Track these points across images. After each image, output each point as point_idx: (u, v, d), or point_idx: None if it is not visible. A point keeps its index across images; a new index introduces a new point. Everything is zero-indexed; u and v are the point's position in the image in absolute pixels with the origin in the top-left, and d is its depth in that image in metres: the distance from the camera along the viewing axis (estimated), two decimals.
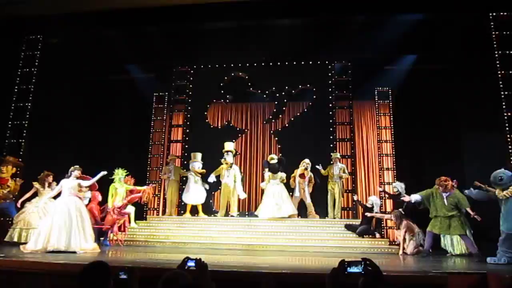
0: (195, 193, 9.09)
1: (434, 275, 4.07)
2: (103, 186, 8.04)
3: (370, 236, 7.86)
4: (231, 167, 9.11)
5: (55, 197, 6.90)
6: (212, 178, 9.05)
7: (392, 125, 10.02)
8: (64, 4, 8.87)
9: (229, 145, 9.43)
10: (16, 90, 9.15)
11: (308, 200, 8.81)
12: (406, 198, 7.01)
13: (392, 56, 9.77)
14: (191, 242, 7.81)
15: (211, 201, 9.90)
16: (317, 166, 8.98)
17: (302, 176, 8.76)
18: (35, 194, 7.85)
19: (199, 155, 9.40)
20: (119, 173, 8.30)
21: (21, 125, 8.92)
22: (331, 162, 9.16)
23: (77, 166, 6.86)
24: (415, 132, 9.59)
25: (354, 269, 1.84)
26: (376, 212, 8.06)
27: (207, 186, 9.26)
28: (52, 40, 9.58)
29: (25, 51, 9.38)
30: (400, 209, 7.47)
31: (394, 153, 9.81)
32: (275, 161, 8.91)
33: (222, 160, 9.12)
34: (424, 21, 8.49)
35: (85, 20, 9.00)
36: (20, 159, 8.40)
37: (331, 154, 9.30)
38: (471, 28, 8.30)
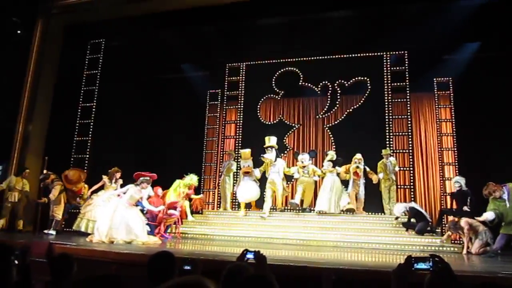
0: (245, 190, 8.88)
1: (504, 277, 3.83)
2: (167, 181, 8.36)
3: (431, 234, 7.53)
4: (274, 163, 8.81)
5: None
6: (258, 173, 8.90)
7: (453, 118, 9.46)
8: (124, 8, 9.37)
9: (271, 140, 9.06)
10: (82, 91, 9.84)
11: (361, 196, 8.57)
12: (480, 219, 6.57)
13: (453, 45, 9.22)
14: (246, 236, 7.95)
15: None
16: (367, 169, 8.63)
17: (355, 174, 8.50)
18: (101, 187, 8.40)
19: (246, 153, 9.07)
20: (193, 180, 8.63)
21: (87, 124, 9.57)
22: (383, 158, 8.84)
23: (147, 178, 7.16)
24: (479, 125, 8.95)
25: (421, 266, 1.79)
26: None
27: (258, 174, 8.90)
28: (113, 43, 10.17)
29: (89, 55, 10.05)
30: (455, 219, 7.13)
31: (455, 147, 9.27)
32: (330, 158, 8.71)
33: (262, 158, 8.83)
34: (488, 5, 7.93)
35: (143, 23, 9.44)
36: (81, 170, 8.89)
37: (382, 150, 8.91)
38: None
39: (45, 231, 7.93)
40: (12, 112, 9.18)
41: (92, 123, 9.62)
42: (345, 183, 8.79)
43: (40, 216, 8.50)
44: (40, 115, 9.42)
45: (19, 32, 9.62)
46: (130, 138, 10.22)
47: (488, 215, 6.36)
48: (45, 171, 8.36)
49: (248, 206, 9.22)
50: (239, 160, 9.53)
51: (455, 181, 7.78)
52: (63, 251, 3.53)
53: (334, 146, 10.02)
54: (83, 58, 10.08)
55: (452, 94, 9.56)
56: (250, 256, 2.54)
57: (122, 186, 7.87)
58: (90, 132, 9.57)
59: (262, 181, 9.12)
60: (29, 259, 3.25)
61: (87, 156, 9.15)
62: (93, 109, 9.72)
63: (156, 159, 9.71)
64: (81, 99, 9.84)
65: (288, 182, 9.48)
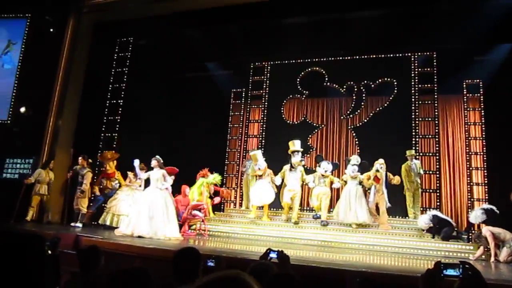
0: (260, 193, 8.40)
1: None
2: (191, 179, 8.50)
3: (457, 240, 7.35)
4: (294, 168, 8.39)
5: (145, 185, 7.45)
6: (278, 180, 8.45)
7: (483, 121, 9.18)
8: (151, 8, 9.53)
9: (296, 144, 8.71)
10: (110, 88, 10.09)
11: (383, 207, 7.91)
12: None
13: (483, 46, 8.96)
14: (267, 236, 7.96)
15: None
16: (389, 175, 8.22)
17: (376, 179, 8.00)
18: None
19: (258, 155, 8.69)
20: (216, 178, 8.72)
21: (115, 120, 9.80)
22: (407, 160, 8.63)
23: (157, 156, 7.27)
24: (509, 129, 8.66)
25: (451, 272, 1.75)
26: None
27: (278, 181, 8.49)
28: (141, 42, 10.37)
29: (117, 53, 10.29)
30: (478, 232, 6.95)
31: (484, 151, 9.00)
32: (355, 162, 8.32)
33: (296, 162, 8.38)
34: None
35: (170, 22, 9.58)
36: (114, 151, 9.21)
37: (406, 151, 8.71)
38: None
39: (72, 224, 8.16)
40: (43, 107, 9.49)
41: (119, 120, 9.84)
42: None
43: (68, 209, 8.74)
44: (69, 110, 9.70)
45: (51, 30, 9.93)
46: (155, 135, 10.39)
47: None
48: (80, 158, 8.56)
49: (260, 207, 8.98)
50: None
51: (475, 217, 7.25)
52: (92, 244, 3.64)
53: (358, 148, 9.90)
54: (111, 56, 10.32)
55: (482, 97, 9.29)
56: (273, 255, 2.56)
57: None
58: (117, 128, 9.80)
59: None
60: (58, 250, 3.37)
61: (115, 152, 9.35)
62: (120, 106, 9.94)
63: (180, 156, 9.83)
64: (109, 96, 10.09)
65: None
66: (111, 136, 9.75)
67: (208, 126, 11.07)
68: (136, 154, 8.77)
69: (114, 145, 9.57)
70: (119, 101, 9.92)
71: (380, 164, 8.03)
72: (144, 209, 6.87)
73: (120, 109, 9.87)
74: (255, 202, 8.59)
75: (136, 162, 7.30)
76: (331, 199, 8.49)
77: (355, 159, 8.44)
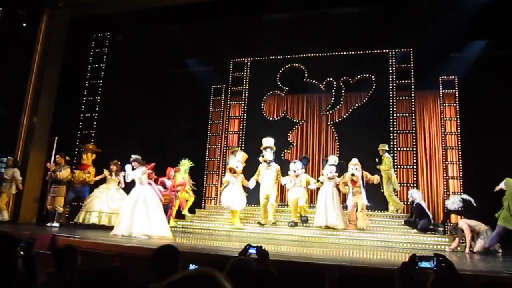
0: (229, 198, 8.01)
1: (508, 276, 3.82)
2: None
3: (432, 232, 7.52)
4: (269, 164, 8.24)
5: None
6: (252, 184, 8.17)
7: (458, 116, 9.43)
8: (129, 2, 9.35)
9: (268, 141, 8.56)
10: (86, 85, 9.87)
11: (361, 202, 7.72)
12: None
13: (459, 43, 9.16)
14: (248, 232, 7.98)
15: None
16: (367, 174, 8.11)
17: (352, 183, 7.85)
18: (103, 181, 8.45)
19: (239, 153, 8.49)
20: (186, 164, 8.45)
21: (92, 117, 9.61)
22: (380, 155, 8.74)
23: (133, 156, 7.00)
24: (484, 124, 8.92)
25: (425, 264, 1.79)
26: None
27: (252, 184, 8.19)
28: (118, 37, 10.17)
29: (94, 48, 10.06)
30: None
31: (460, 146, 9.24)
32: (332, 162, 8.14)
33: (260, 158, 8.37)
34: (495, 2, 7.86)
35: (148, 17, 9.43)
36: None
37: (380, 145, 8.81)
38: None
39: (48, 224, 7.97)
40: (17, 105, 9.21)
41: (96, 117, 9.65)
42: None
43: (45, 209, 8.54)
44: (44, 107, 9.45)
45: (24, 25, 9.63)
46: (134, 132, 10.23)
47: None
48: (58, 156, 8.34)
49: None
50: None
51: (452, 203, 7.39)
52: (68, 243, 3.56)
53: (337, 143, 10.01)
54: (88, 52, 10.09)
55: (457, 93, 9.53)
56: (252, 251, 2.56)
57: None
58: (94, 125, 9.61)
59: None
60: (34, 251, 3.28)
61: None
62: (98, 103, 9.74)
63: (160, 153, 9.71)
64: (85, 93, 9.87)
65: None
66: (88, 134, 9.54)
67: (188, 123, 10.99)
68: (114, 151, 8.69)
69: (92, 143, 9.37)
70: (96, 97, 9.71)
71: (354, 165, 7.89)
72: (126, 209, 6.72)
73: (98, 106, 9.67)
74: (224, 205, 8.27)
75: (128, 168, 7.07)
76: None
77: (332, 159, 8.33)
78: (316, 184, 8.17)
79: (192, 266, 2.75)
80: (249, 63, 10.94)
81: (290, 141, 10.38)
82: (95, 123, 9.62)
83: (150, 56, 10.43)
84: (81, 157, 8.72)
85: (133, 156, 6.94)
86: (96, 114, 9.65)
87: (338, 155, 9.33)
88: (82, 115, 9.72)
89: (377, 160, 8.60)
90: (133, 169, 6.86)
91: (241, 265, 2.32)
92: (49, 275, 3.36)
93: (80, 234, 6.61)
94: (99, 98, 9.72)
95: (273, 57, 10.67)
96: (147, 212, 6.64)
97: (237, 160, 8.25)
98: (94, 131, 9.54)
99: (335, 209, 7.67)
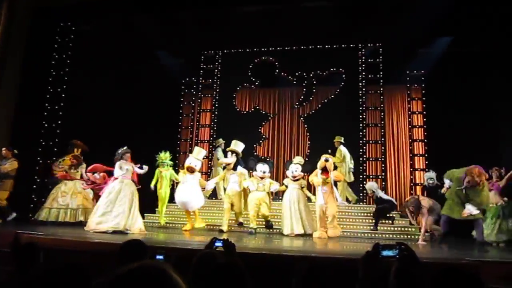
0: (184, 197, 7.39)
1: (468, 263, 3.99)
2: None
3: (389, 221, 7.59)
4: (234, 169, 7.62)
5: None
6: (210, 185, 7.86)
7: (424, 110, 9.73)
8: None
9: (237, 145, 7.91)
10: (50, 76, 9.46)
11: (334, 209, 6.93)
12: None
13: (426, 39, 9.41)
14: (213, 225, 7.92)
15: None
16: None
17: (325, 173, 7.00)
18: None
19: (200, 152, 7.93)
20: (161, 158, 7.98)
21: (56, 110, 9.26)
22: (335, 147, 8.78)
23: (126, 150, 6.99)
24: (448, 118, 9.21)
25: (388, 253, 1.84)
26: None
27: (209, 186, 7.85)
28: (84, 28, 9.81)
29: (58, 38, 9.64)
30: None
31: (426, 139, 9.55)
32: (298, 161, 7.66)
33: (221, 160, 7.97)
34: (460, 1, 8.11)
35: (116, 7, 9.13)
36: (52, 157, 8.71)
37: (336, 137, 8.83)
38: (510, 9, 7.86)
39: (8, 219, 7.63)
40: None
41: (61, 110, 9.28)
42: None
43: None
44: (5, 100, 9.00)
45: None
46: (101, 126, 9.94)
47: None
48: (3, 150, 7.96)
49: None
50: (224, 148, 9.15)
51: (429, 178, 7.58)
52: (30, 240, 3.43)
53: (308, 136, 10.11)
54: (52, 42, 9.67)
55: (423, 87, 9.81)
56: (218, 244, 2.56)
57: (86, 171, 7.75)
58: (59, 119, 9.24)
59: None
60: None
61: (56, 142, 8.86)
62: (63, 95, 9.37)
63: (129, 147, 9.51)
64: (49, 85, 9.47)
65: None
66: (53, 127, 9.18)
67: (159, 116, 10.78)
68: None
69: (57, 135, 9.03)
70: (61, 90, 9.33)
71: (326, 156, 7.26)
72: (102, 203, 6.54)
73: (63, 98, 9.29)
74: (179, 204, 7.57)
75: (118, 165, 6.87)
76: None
77: (297, 159, 7.86)
78: (277, 185, 7.65)
79: (159, 256, 2.72)
80: (220, 56, 10.85)
81: (262, 134, 10.40)
82: (60, 115, 9.24)
83: (118, 47, 10.12)
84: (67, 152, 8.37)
85: (126, 148, 6.86)
86: (61, 107, 9.27)
87: (308, 148, 9.44)
88: (46, 107, 9.31)
89: (329, 151, 8.21)
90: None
91: (208, 258, 2.31)
92: (9, 273, 3.23)
93: (46, 231, 6.39)
94: (64, 90, 9.34)
95: (245, 50, 10.62)
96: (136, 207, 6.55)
97: (195, 157, 7.70)
98: (59, 124, 9.17)
99: (301, 214, 7.11)
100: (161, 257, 2.70)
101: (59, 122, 9.22)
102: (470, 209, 5.93)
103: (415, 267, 1.87)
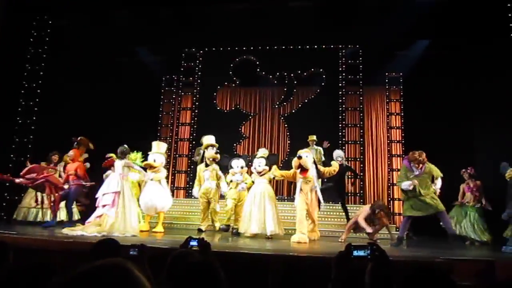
0: (148, 196, 6.87)
1: (442, 261, 4.07)
2: None
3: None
4: (207, 166, 7.24)
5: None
6: (196, 192, 7.35)
7: (402, 112, 9.91)
8: None
9: (209, 139, 7.56)
10: (26, 71, 9.20)
11: (315, 214, 6.34)
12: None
13: (404, 41, 9.57)
14: (191, 223, 7.85)
15: None
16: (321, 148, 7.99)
17: (302, 170, 6.13)
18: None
19: (160, 146, 7.48)
20: (131, 159, 7.20)
21: (31, 106, 9.01)
22: (308, 146, 8.55)
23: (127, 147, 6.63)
24: (425, 119, 9.41)
25: (360, 253, 1.85)
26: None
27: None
28: (62, 22, 9.57)
29: (34, 32, 9.38)
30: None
31: (403, 140, 9.72)
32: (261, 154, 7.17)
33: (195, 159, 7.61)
34: (438, 5, 8.28)
35: (95, 1, 8.95)
36: (27, 154, 8.38)
37: (309, 136, 8.67)
38: (487, 14, 8.08)
39: None
40: None
41: (36, 106, 9.03)
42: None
43: None
44: None
45: None
46: (78, 123, 9.72)
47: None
48: None
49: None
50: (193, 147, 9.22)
51: (338, 156, 7.32)
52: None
53: (288, 136, 10.16)
54: (27, 36, 9.40)
55: (402, 89, 9.99)
56: (194, 243, 2.55)
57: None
58: (34, 115, 8.99)
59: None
60: None
61: (31, 140, 8.61)
62: (38, 90, 9.11)
63: (109, 145, 9.32)
64: (24, 80, 9.20)
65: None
66: (27, 123, 8.92)
67: (138, 114, 10.62)
68: (57, 142, 8.19)
69: (32, 131, 8.78)
70: (34, 84, 9.06)
71: (299, 153, 6.28)
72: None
73: (38, 93, 9.03)
74: (143, 208, 6.94)
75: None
76: None
77: (261, 152, 7.33)
78: (245, 184, 7.04)
79: (132, 252, 2.68)
80: (201, 54, 10.78)
81: (242, 134, 10.39)
82: (35, 112, 8.98)
83: (97, 42, 9.92)
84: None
85: (126, 147, 6.56)
86: (37, 103, 9.01)
87: (288, 147, 9.47)
88: (20, 103, 9.04)
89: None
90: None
91: (182, 257, 2.28)
92: None
93: (22, 230, 6.21)
94: (40, 85, 9.08)
95: (226, 48, 10.58)
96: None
97: (155, 152, 7.25)
98: (34, 121, 8.91)
99: (265, 212, 6.41)
100: (134, 252, 2.66)
101: (34, 118, 8.96)
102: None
103: (387, 267, 1.90)
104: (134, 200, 6.32)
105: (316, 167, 6.41)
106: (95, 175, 7.46)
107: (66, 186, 7.02)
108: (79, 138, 7.73)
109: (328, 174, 6.55)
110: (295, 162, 6.14)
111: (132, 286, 0.82)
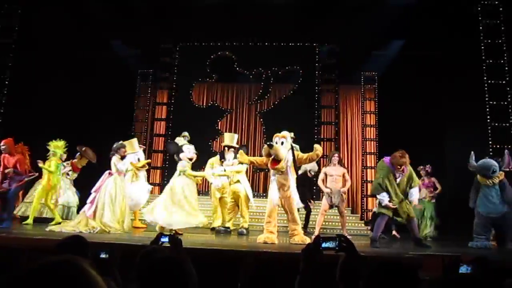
0: (137, 196, 6.90)
1: (411, 257, 4.16)
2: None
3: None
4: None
5: None
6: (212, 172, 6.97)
7: (376, 110, 10.08)
8: None
9: (234, 138, 7.32)
10: None
11: (295, 212, 5.45)
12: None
13: (380, 41, 9.73)
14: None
15: None
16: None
17: (272, 163, 5.41)
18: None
19: (134, 143, 7.31)
20: (58, 145, 6.96)
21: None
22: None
23: (123, 144, 6.54)
24: (399, 118, 9.58)
25: (328, 244, 1.87)
26: None
27: (149, 187, 7.26)
28: (33, 13, 9.22)
29: (3, 19, 8.99)
30: None
31: (377, 138, 9.90)
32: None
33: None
34: (413, 6, 8.45)
35: None
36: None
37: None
38: (459, 16, 8.31)
39: None
40: None
41: (4, 100, 8.66)
42: None
43: None
44: None
45: None
46: (50, 117, 9.43)
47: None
48: None
49: None
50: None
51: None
52: None
53: (264, 133, 10.17)
54: None
55: (376, 88, 10.16)
56: (164, 239, 2.52)
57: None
58: (2, 109, 8.63)
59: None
60: None
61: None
62: (6, 83, 8.74)
63: (82, 140, 9.07)
64: None
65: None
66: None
67: (113, 108, 10.39)
68: (31, 139, 7.86)
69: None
70: (2, 76, 8.68)
71: (280, 138, 5.65)
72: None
73: (6, 87, 8.65)
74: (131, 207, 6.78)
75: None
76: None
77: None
78: (228, 178, 6.96)
79: (103, 254, 2.61)
80: (178, 49, 10.64)
81: (219, 130, 10.33)
82: (3, 106, 8.62)
83: (70, 35, 9.63)
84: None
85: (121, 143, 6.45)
86: (4, 96, 8.64)
87: (264, 144, 9.44)
88: None
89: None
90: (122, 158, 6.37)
91: (152, 254, 2.24)
92: None
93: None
94: (8, 77, 8.71)
95: (202, 44, 10.49)
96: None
97: (131, 152, 7.02)
98: (2, 111, 8.55)
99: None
100: (105, 255, 2.60)
101: (2, 110, 8.60)
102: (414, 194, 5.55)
103: (356, 259, 1.92)
104: (120, 198, 6.15)
105: (293, 153, 5.58)
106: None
107: (5, 185, 6.50)
108: (83, 149, 7.50)
109: (308, 161, 5.71)
110: (264, 150, 5.55)
111: (82, 284, 0.79)
